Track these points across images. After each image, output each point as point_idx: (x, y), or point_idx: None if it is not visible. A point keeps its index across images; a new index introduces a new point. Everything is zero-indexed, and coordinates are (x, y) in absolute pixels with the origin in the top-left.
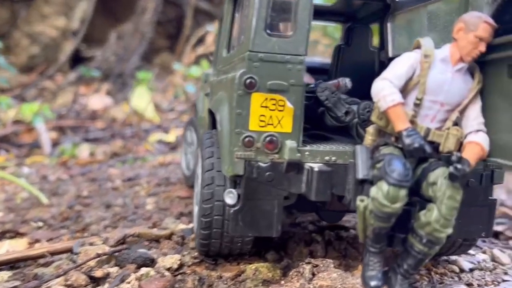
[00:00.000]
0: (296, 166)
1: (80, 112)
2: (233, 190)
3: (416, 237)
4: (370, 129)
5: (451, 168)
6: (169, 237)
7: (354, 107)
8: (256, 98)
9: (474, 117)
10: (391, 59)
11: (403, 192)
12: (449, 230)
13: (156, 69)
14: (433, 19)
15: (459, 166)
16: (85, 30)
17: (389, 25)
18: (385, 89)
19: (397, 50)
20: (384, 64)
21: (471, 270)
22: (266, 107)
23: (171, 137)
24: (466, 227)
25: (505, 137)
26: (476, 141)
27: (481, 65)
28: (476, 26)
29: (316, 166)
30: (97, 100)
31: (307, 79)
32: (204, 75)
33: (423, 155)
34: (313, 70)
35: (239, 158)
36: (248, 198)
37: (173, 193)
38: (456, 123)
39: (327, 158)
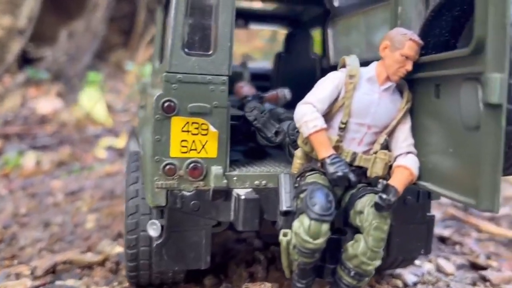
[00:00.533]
0: (223, 193)
1: (29, 117)
2: (156, 222)
3: (345, 270)
4: (298, 152)
5: (376, 198)
6: (102, 263)
7: (286, 126)
8: (176, 122)
9: (403, 138)
10: (333, 67)
11: (325, 227)
12: (377, 262)
13: (110, 68)
14: (370, 27)
15: (384, 196)
16: (32, 28)
17: (329, 31)
18: (307, 114)
19: (338, 57)
20: (326, 71)
21: (415, 284)
22: (188, 131)
23: (121, 142)
24: (404, 246)
25: (434, 160)
26: (404, 165)
27: (410, 83)
28: (402, 44)
29: (243, 194)
30: (47, 103)
31: (248, 89)
32: (141, 83)
33: (348, 184)
34: (257, 77)
35: (160, 188)
36: (172, 230)
37: (116, 208)
38: (386, 146)
39: (257, 182)
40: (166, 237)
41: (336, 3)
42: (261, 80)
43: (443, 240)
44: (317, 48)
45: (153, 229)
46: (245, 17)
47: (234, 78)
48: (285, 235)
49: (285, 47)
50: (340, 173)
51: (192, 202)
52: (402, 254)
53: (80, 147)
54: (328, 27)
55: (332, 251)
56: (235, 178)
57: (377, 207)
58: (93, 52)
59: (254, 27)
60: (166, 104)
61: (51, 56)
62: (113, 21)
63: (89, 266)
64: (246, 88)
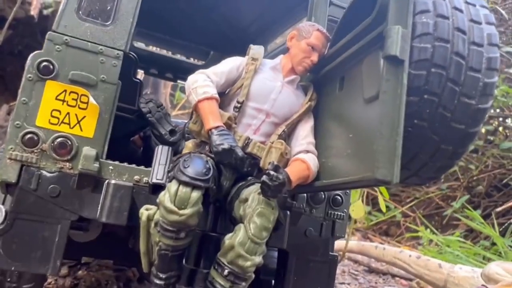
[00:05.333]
0: (92, 181)
1: None
2: (2, 207)
3: (218, 268)
4: (190, 143)
5: (264, 177)
6: None
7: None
8: (51, 87)
9: (303, 136)
10: None
11: (195, 195)
12: (257, 259)
13: None
14: None
15: (272, 172)
16: None
17: None
18: (198, 81)
19: None
20: None
21: None
22: (63, 101)
23: None
24: (303, 287)
25: (335, 160)
26: (302, 158)
27: (316, 86)
28: (309, 33)
29: (114, 180)
30: None
31: None
32: None
33: (233, 161)
34: None
35: (13, 159)
36: (18, 217)
37: None
38: (284, 140)
39: (137, 177)
40: (7, 225)
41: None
42: None
43: None
44: None
45: None
46: (173, 70)
47: None
48: (147, 209)
49: None
50: (226, 145)
51: (51, 186)
52: None
53: None
54: None
55: (208, 252)
56: (111, 167)
57: (264, 187)
58: None
59: (183, 82)
60: (43, 65)
61: None
62: None
63: None
64: None
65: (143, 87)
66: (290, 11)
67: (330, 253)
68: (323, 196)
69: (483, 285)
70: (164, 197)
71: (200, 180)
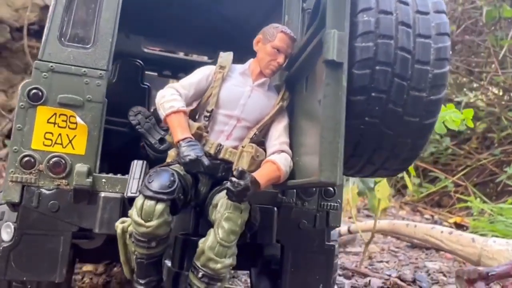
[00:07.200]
0: (87, 195)
1: None
2: (11, 224)
3: (194, 271)
4: (172, 152)
5: (228, 184)
6: None
7: None
8: (42, 112)
9: (276, 136)
10: None
11: (160, 207)
12: (228, 261)
13: None
14: None
15: (233, 179)
16: None
17: None
18: (165, 96)
19: None
20: None
21: None
22: (54, 123)
23: None
24: (299, 278)
25: (307, 159)
26: (273, 159)
27: (290, 85)
28: (273, 36)
29: (104, 192)
30: None
31: None
32: None
33: (201, 170)
34: None
35: (14, 181)
36: (24, 232)
37: None
38: (259, 143)
39: None
40: (16, 240)
41: None
42: None
43: None
44: None
45: (7, 232)
46: (186, 70)
47: None
48: (122, 222)
49: None
50: (192, 156)
51: (51, 202)
52: None
53: None
54: None
55: (190, 255)
56: (103, 180)
57: (228, 193)
58: None
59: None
60: (32, 92)
61: None
62: None
63: None
64: None
65: (151, 92)
66: (279, 5)
67: (327, 243)
68: (314, 188)
69: None
70: (133, 211)
71: (164, 193)
